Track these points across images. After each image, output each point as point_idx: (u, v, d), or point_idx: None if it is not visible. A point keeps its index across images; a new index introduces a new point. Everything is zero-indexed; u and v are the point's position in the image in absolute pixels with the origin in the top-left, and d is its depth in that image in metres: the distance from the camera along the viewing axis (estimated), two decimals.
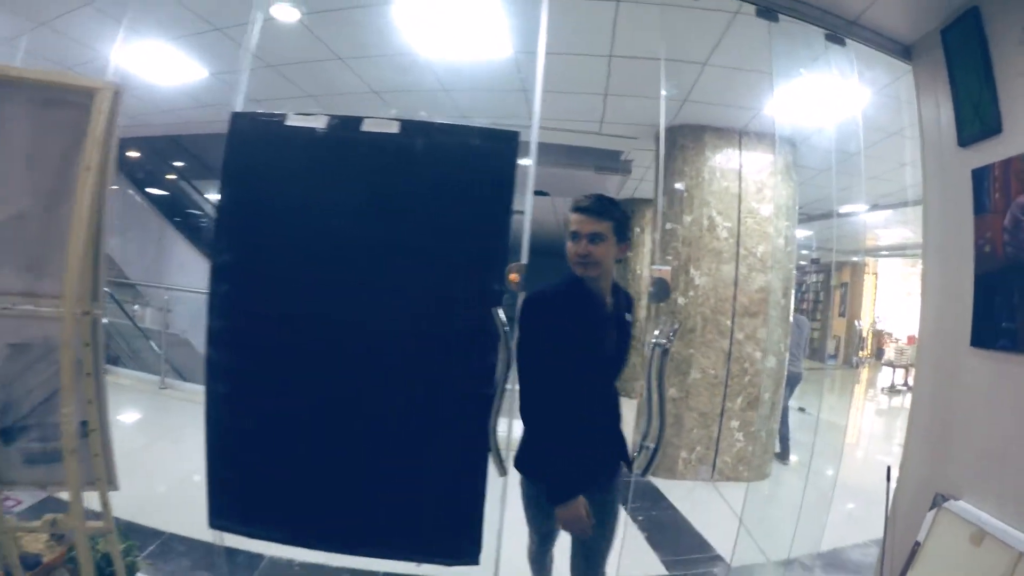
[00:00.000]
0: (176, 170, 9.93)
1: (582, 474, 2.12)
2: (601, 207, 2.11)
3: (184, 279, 8.87)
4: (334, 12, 4.01)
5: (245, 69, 2.87)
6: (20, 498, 3.32)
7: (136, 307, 9.57)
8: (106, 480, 2.38)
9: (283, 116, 2.39)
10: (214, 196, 10.75)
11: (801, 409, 8.26)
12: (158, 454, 4.78)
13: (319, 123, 2.37)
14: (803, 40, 3.25)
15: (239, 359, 2.44)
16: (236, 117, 2.47)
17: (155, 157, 9.32)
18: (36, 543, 3.03)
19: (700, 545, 4.19)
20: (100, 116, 2.16)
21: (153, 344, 8.14)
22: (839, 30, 2.85)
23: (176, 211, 9.96)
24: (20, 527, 2.55)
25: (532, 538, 2.45)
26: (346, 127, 2.37)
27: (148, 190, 9.62)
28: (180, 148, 8.88)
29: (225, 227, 2.48)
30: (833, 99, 4.56)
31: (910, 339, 12.86)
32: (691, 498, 5.01)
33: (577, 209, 2.12)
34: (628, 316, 2.33)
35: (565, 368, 2.09)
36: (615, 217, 2.13)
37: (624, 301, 2.34)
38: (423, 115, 2.39)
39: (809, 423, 7.61)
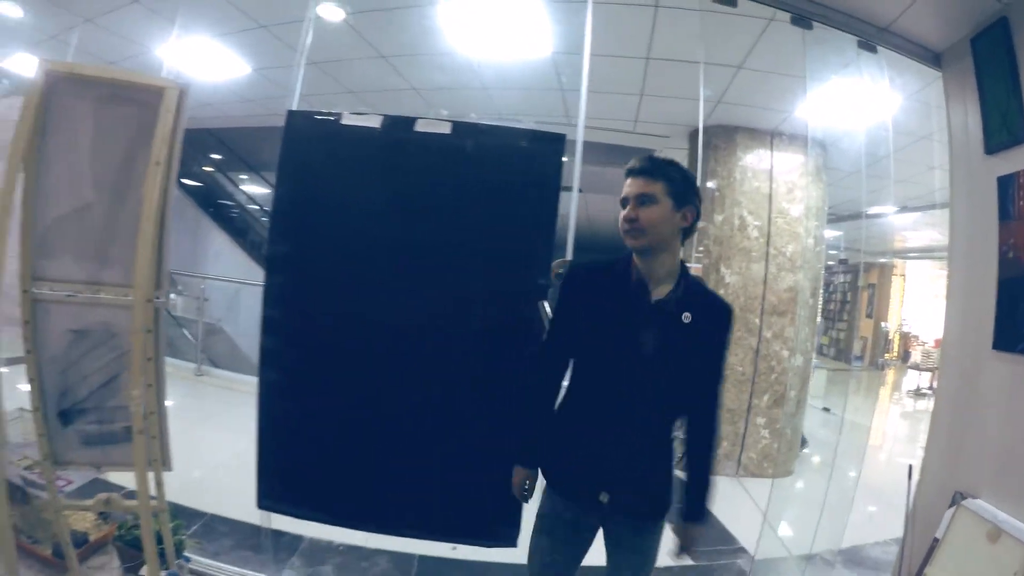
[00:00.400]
0: (212, 162, 10.10)
1: (554, 462, 1.96)
2: (652, 166, 1.80)
3: (219, 268, 9.01)
4: (378, 12, 4.12)
5: (300, 69, 2.97)
6: (72, 478, 3.45)
7: (172, 295, 9.78)
8: (161, 461, 2.51)
9: (338, 115, 2.48)
10: (249, 188, 10.94)
11: (826, 409, 8.27)
12: (197, 439, 4.91)
13: (372, 122, 2.45)
14: (835, 46, 3.31)
15: (292, 347, 2.53)
16: (292, 115, 2.56)
17: (191, 149, 9.51)
18: (83, 522, 3.14)
19: (725, 538, 4.26)
20: (168, 114, 2.26)
21: (186, 332, 8.32)
22: (871, 37, 2.90)
23: (211, 202, 10.14)
24: (70, 505, 2.67)
25: None
26: (399, 127, 2.45)
27: (184, 181, 9.80)
28: (217, 141, 9.04)
29: (280, 221, 2.57)
30: (864, 103, 4.59)
31: (937, 342, 12.71)
32: (717, 493, 5.04)
33: (627, 173, 1.84)
34: (687, 316, 1.78)
35: (568, 353, 1.95)
36: (669, 177, 1.79)
37: (691, 297, 1.83)
38: (472, 116, 2.47)
39: (833, 423, 7.62)
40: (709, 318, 1.84)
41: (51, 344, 2.38)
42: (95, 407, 2.44)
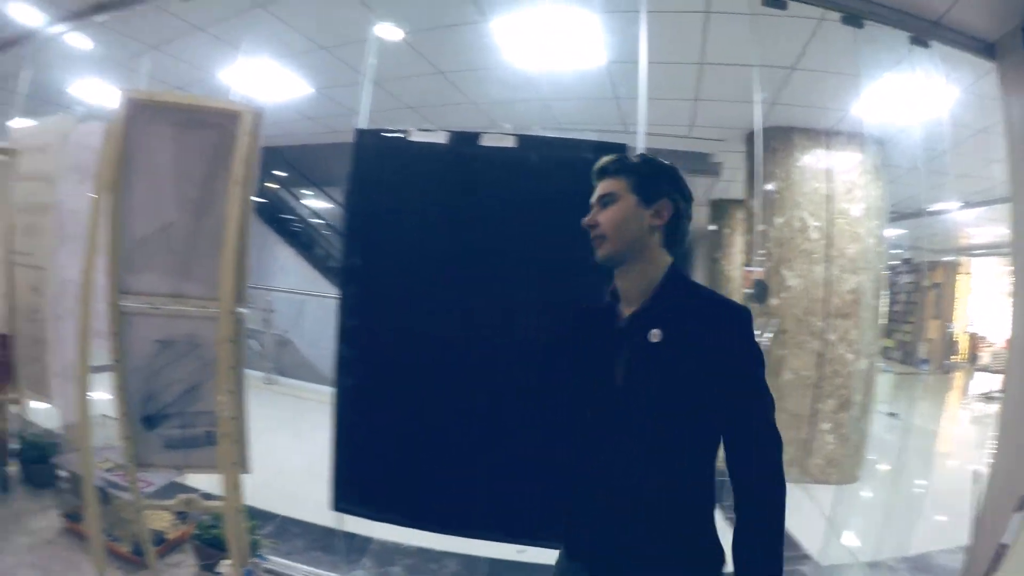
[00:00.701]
0: (277, 179, 10.40)
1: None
2: (614, 163, 1.55)
3: (285, 281, 9.27)
4: (436, 30, 4.25)
5: (366, 88, 3.08)
6: (152, 480, 3.62)
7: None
8: (240, 464, 2.64)
9: (405, 132, 2.56)
10: (313, 203, 11.22)
11: (892, 414, 8.06)
12: (267, 445, 5.09)
13: (439, 138, 2.52)
14: (888, 44, 3.28)
15: (367, 356, 2.61)
16: (361, 133, 2.65)
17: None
18: (160, 521, 3.31)
19: (789, 544, 4.19)
20: (246, 136, 2.39)
21: (253, 343, 8.58)
22: (922, 32, 2.87)
23: (276, 217, 10.45)
24: (151, 505, 2.84)
25: None
26: (464, 142, 2.52)
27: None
28: (280, 158, 9.30)
29: (353, 235, 2.67)
30: (919, 99, 4.52)
31: (1008, 343, 12.17)
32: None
33: (593, 177, 1.60)
34: (654, 333, 1.43)
35: (560, 397, 1.74)
36: (634, 170, 1.53)
37: (672, 309, 1.46)
38: (534, 128, 2.52)
39: (900, 428, 7.43)
40: (696, 331, 1.42)
41: (136, 353, 2.52)
42: (178, 413, 2.58)
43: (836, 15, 2.98)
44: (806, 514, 4.79)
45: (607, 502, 1.50)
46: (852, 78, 4.33)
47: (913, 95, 4.44)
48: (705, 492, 1.48)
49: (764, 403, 1.42)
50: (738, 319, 1.44)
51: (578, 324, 1.69)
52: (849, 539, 4.42)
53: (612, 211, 1.51)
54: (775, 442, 1.41)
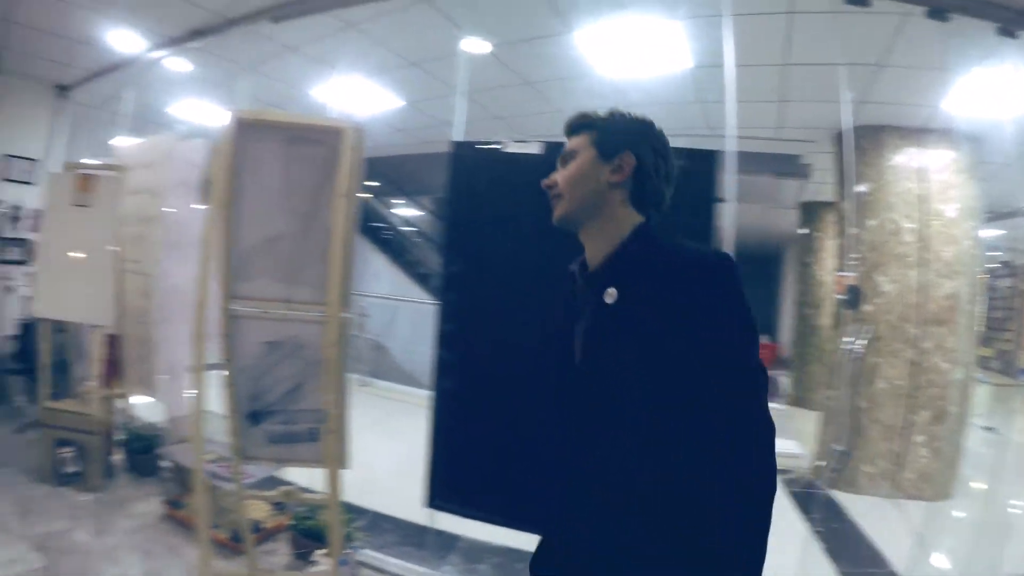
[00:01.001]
0: (369, 189, 10.72)
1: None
2: (579, 118, 1.42)
3: (378, 287, 9.54)
4: (522, 42, 4.35)
5: (459, 104, 3.20)
6: (253, 472, 3.81)
7: None
8: (342, 459, 2.77)
9: (498, 143, 2.66)
10: (404, 211, 11.49)
11: (989, 428, 7.70)
12: (362, 443, 5.28)
13: (533, 149, 2.60)
14: (975, 37, 3.20)
15: (465, 359, 2.71)
16: (458, 146, 2.77)
17: None
18: (258, 511, 3.51)
19: (876, 560, 4.09)
20: (349, 151, 2.54)
21: None
22: (1010, 22, 2.79)
23: (369, 226, 10.68)
24: (252, 496, 3.06)
25: None
26: (558, 152, 2.58)
27: None
28: (372, 169, 9.59)
29: (451, 243, 2.78)
30: (1011, 92, 4.34)
31: None
32: (871, 513, 4.85)
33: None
34: (610, 292, 1.26)
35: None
36: (596, 125, 1.38)
37: (632, 266, 1.28)
38: None
39: (997, 443, 7.09)
40: (660, 289, 1.21)
41: (245, 354, 2.69)
42: (282, 410, 2.73)
43: (920, 9, 2.92)
44: (895, 529, 4.64)
45: (586, 495, 1.31)
46: (940, 73, 4.21)
47: (1004, 88, 4.28)
48: (704, 485, 1.17)
49: (748, 378, 1.19)
50: (710, 273, 1.22)
51: (556, 300, 1.55)
52: (939, 559, 4.27)
53: (569, 168, 1.38)
54: (763, 427, 1.18)
